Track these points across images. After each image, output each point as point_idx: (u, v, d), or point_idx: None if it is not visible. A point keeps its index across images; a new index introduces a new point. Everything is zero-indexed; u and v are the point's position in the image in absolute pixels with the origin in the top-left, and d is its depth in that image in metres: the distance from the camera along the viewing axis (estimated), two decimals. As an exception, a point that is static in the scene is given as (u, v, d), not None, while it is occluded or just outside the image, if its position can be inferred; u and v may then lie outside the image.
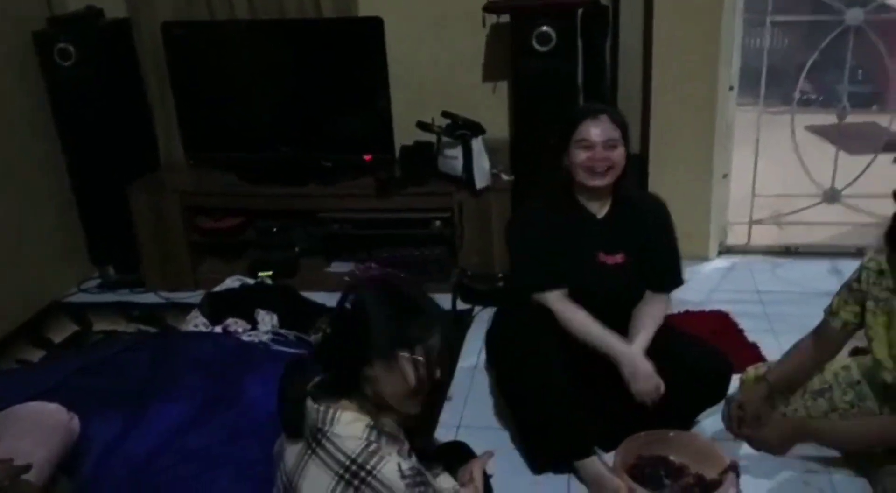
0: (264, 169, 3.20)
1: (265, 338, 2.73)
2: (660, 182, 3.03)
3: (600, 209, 2.18)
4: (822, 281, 2.99)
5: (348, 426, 1.31)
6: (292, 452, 1.36)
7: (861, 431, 1.94)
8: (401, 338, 1.35)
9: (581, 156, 2.07)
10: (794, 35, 5.73)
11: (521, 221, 2.32)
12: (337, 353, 1.40)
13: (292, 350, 2.65)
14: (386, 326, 1.35)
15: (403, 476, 1.27)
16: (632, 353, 2.03)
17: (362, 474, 1.26)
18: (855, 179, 3.28)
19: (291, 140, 3.20)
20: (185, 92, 3.21)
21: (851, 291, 1.94)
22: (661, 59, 2.96)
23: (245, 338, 2.72)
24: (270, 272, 3.13)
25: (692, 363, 2.10)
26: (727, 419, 2.11)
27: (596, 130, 2.06)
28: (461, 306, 2.97)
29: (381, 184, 3.00)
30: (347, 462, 1.27)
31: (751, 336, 2.67)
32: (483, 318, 2.89)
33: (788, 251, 3.32)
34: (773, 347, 2.58)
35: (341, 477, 1.27)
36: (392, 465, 1.28)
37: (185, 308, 2.96)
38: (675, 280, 2.24)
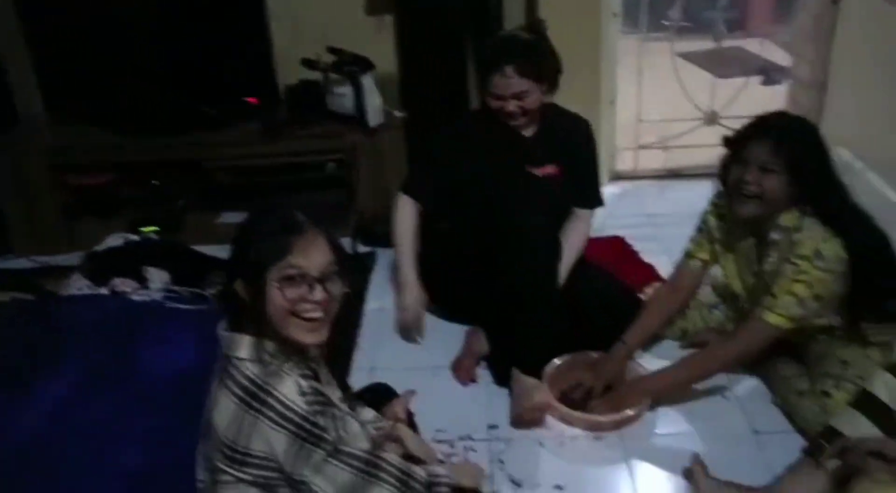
0: (138, 118, 2.97)
1: (157, 296, 2.58)
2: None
3: (527, 130, 2.22)
4: (706, 201, 3.10)
5: (252, 350, 1.26)
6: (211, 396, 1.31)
7: (688, 374, 1.99)
8: (263, 256, 1.28)
9: (494, 104, 2.12)
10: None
11: (439, 134, 2.33)
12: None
13: (189, 307, 2.52)
14: (247, 245, 1.30)
15: (303, 393, 1.24)
16: (407, 282, 2.26)
17: (261, 394, 1.22)
18: (732, 101, 3.41)
19: (166, 86, 2.98)
20: (40, 38, 2.92)
21: (701, 234, 2.10)
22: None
23: (135, 298, 2.57)
24: (155, 228, 2.95)
25: (605, 299, 2.20)
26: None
27: (503, 86, 2.09)
28: (362, 249, 2.91)
29: (267, 128, 2.86)
30: (248, 384, 1.23)
31: (646, 258, 2.76)
32: (385, 259, 2.84)
33: (674, 174, 3.43)
34: (668, 266, 2.67)
35: (242, 400, 1.23)
36: (291, 382, 1.24)
37: (64, 271, 2.74)
38: (598, 198, 2.34)
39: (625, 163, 3.43)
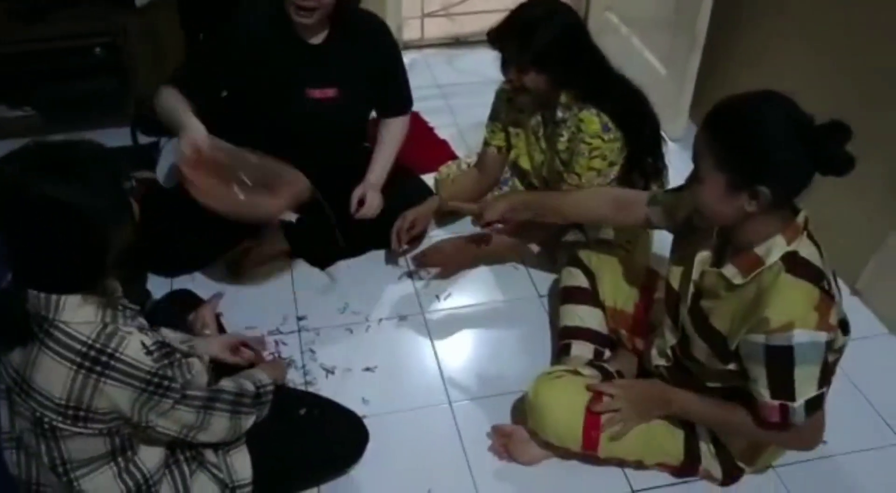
0: None
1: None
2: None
3: (315, 36, 2.04)
4: (492, 68, 3.16)
5: (79, 311, 1.21)
6: (17, 350, 1.23)
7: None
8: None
9: None
10: None
11: (221, 30, 2.05)
12: None
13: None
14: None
15: (149, 352, 1.22)
16: (187, 126, 1.85)
17: (104, 359, 1.19)
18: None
19: None
20: None
21: (494, 120, 2.19)
22: None
23: None
24: None
25: (401, 199, 2.20)
26: (394, 232, 2.17)
27: None
28: (144, 139, 2.74)
29: (20, 10, 2.53)
30: (84, 349, 1.18)
31: (440, 133, 2.84)
32: (171, 149, 2.70)
33: (459, 42, 3.48)
34: (459, 142, 2.80)
35: (80, 366, 1.18)
36: (135, 343, 1.21)
37: None
38: (407, 103, 2.26)
39: (412, 32, 3.42)
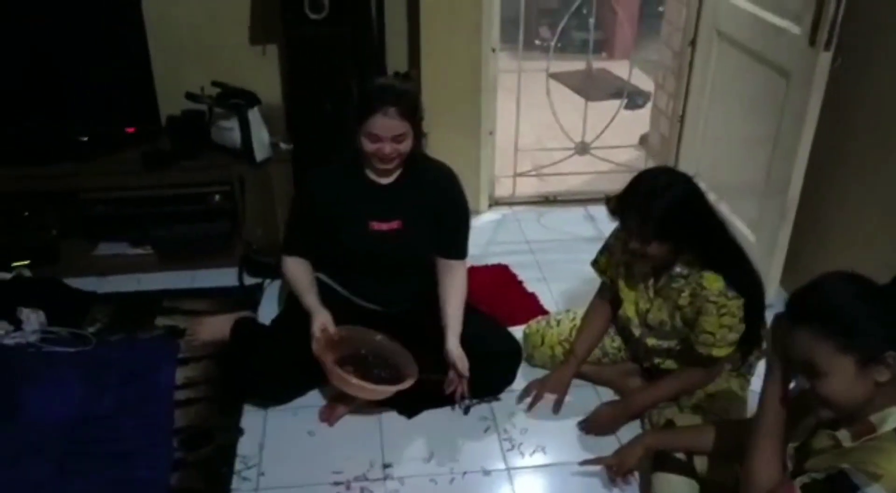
0: (6, 146, 2.83)
1: (33, 338, 2.49)
2: (433, 142, 3.13)
3: (387, 178, 2.23)
4: (579, 226, 3.35)
5: None
6: None
7: (666, 391, 2.16)
8: None
9: (369, 146, 2.10)
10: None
11: (302, 186, 2.37)
12: None
13: (67, 349, 2.45)
14: None
15: None
16: (315, 311, 2.21)
17: None
18: (601, 133, 3.63)
19: (38, 112, 2.85)
20: None
21: (610, 253, 2.24)
22: (428, 23, 3.02)
23: (9, 341, 2.46)
24: (27, 262, 2.82)
25: (486, 348, 2.25)
26: (523, 394, 2.32)
27: (384, 126, 2.06)
28: (249, 280, 2.91)
29: (148, 157, 2.80)
30: None
31: (529, 287, 2.91)
32: (274, 290, 2.85)
33: (548, 200, 3.62)
34: (547, 296, 2.85)
35: None
36: None
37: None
38: (460, 252, 2.34)
39: (503, 189, 3.58)
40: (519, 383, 2.37)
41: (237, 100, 2.75)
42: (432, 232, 2.28)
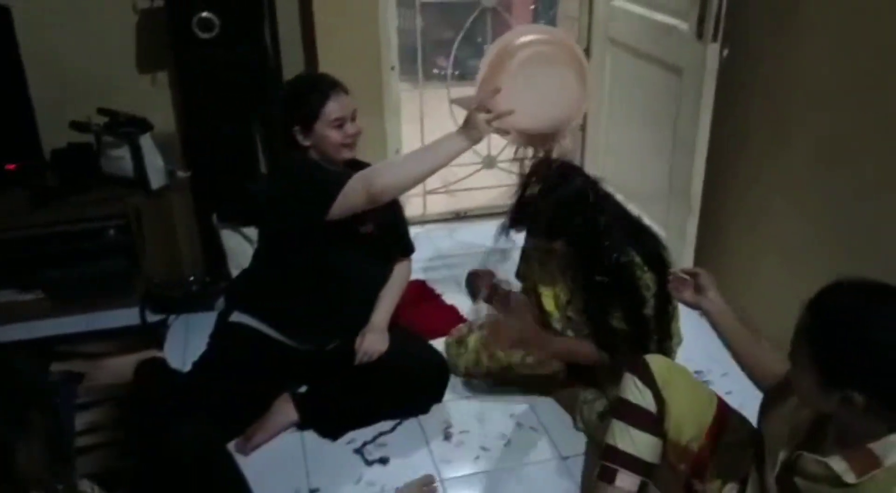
0: None
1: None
2: (339, 164, 3.07)
3: None
4: (491, 240, 3.30)
5: None
6: None
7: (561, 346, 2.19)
8: None
9: (336, 135, 2.07)
10: (431, 15, 6.16)
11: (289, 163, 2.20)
12: None
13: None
14: None
15: None
16: None
17: None
18: (507, 145, 3.64)
19: None
20: None
21: (526, 258, 2.30)
22: (324, 44, 2.97)
23: None
24: None
25: (410, 362, 2.20)
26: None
27: (343, 105, 2.08)
28: (152, 317, 2.74)
29: (34, 195, 2.62)
30: None
31: (448, 299, 2.86)
32: (179, 326, 2.70)
33: (459, 216, 3.59)
34: (466, 308, 2.80)
35: None
36: None
37: None
38: (410, 246, 2.41)
39: (414, 209, 3.54)
40: (448, 396, 2.30)
41: (127, 127, 2.62)
42: (391, 235, 2.30)
